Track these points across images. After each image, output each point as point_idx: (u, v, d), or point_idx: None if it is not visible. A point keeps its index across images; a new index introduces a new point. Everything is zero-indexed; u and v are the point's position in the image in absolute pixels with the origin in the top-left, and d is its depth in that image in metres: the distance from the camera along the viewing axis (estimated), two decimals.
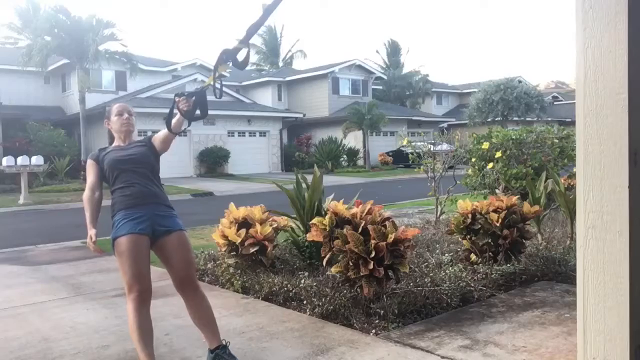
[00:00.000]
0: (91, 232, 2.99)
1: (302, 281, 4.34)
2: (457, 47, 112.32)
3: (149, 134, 3.16)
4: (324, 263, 4.14)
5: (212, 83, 2.80)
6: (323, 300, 3.94)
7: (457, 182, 7.75)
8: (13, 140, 20.68)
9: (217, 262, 5.38)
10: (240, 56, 2.71)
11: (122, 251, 2.88)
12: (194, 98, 2.83)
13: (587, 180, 2.32)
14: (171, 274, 3.03)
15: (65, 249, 7.50)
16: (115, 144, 3.24)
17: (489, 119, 29.55)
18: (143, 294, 2.86)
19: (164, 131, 3.04)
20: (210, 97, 2.86)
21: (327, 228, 4.07)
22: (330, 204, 4.38)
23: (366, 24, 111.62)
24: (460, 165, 8.57)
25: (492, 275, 4.53)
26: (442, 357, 3.11)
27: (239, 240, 4.88)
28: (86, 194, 3.08)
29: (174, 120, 2.94)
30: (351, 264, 3.84)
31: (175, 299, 4.49)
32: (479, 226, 4.81)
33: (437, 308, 3.92)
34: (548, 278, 4.76)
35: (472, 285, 4.29)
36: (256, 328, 3.73)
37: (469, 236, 4.94)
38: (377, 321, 3.68)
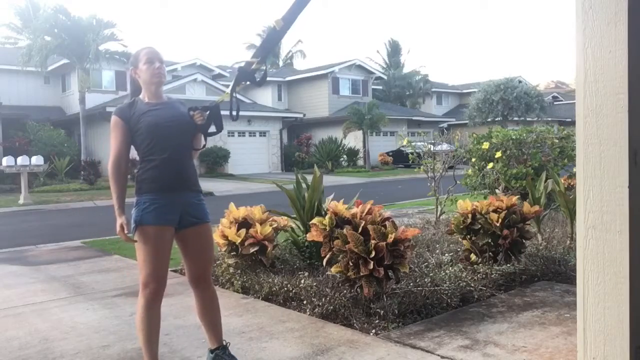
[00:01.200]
0: (121, 219, 2.67)
1: (302, 281, 4.34)
2: (457, 47, 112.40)
3: None
4: (324, 263, 4.14)
5: (225, 99, 2.80)
6: (323, 300, 3.94)
7: (457, 182, 7.74)
8: (13, 140, 20.71)
9: (217, 262, 5.38)
10: (258, 73, 2.71)
11: (145, 242, 2.67)
12: (208, 112, 2.81)
13: (587, 180, 2.32)
14: (188, 268, 2.89)
15: (65, 249, 7.50)
16: (144, 98, 2.80)
17: (489, 119, 29.57)
18: (158, 292, 2.73)
19: None
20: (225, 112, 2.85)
21: (327, 228, 4.07)
22: (330, 204, 4.38)
23: (366, 24, 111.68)
24: (460, 165, 8.57)
25: (492, 275, 4.53)
26: (442, 357, 3.11)
27: (239, 240, 4.88)
28: (112, 168, 2.71)
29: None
30: (351, 264, 3.84)
31: (174, 299, 4.50)
32: (479, 226, 4.81)
33: (437, 308, 3.92)
34: (548, 278, 4.76)
35: (472, 285, 4.29)
36: (256, 328, 3.73)
37: (469, 236, 4.94)
38: (377, 321, 3.67)
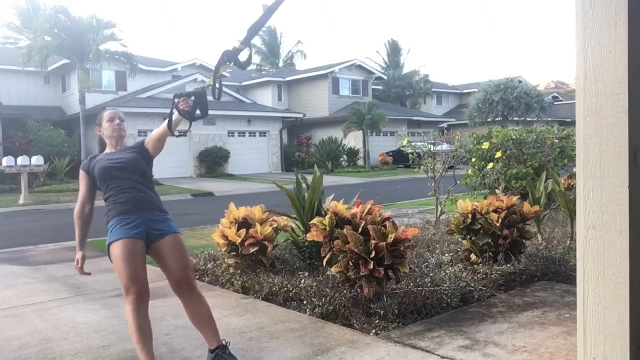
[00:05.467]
0: (78, 255, 3.07)
1: (302, 281, 4.34)
2: (457, 47, 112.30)
3: (149, 134, 3.12)
4: (324, 263, 4.14)
5: (212, 83, 2.80)
6: (323, 300, 3.94)
7: (457, 182, 7.75)
8: (13, 140, 20.69)
9: (217, 262, 5.39)
10: (242, 56, 2.70)
11: (117, 255, 2.89)
12: (193, 98, 2.83)
13: (587, 180, 2.32)
14: (167, 277, 3.03)
15: (65, 249, 7.49)
16: (106, 150, 3.25)
17: (489, 119, 29.57)
18: (140, 295, 2.87)
19: (160, 128, 3.02)
20: (209, 97, 2.85)
21: (327, 228, 4.07)
22: (330, 204, 4.37)
23: (366, 24, 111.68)
24: (460, 165, 8.57)
25: (492, 275, 4.53)
26: (442, 357, 3.11)
27: (239, 240, 4.88)
28: (76, 210, 3.12)
29: (173, 118, 2.91)
30: (351, 264, 3.84)
31: (174, 299, 4.48)
32: (479, 226, 4.81)
33: (437, 308, 3.92)
34: (548, 278, 4.76)
35: (472, 285, 4.29)
36: (256, 328, 3.73)
37: (469, 236, 4.94)
38: (377, 321, 3.67)
